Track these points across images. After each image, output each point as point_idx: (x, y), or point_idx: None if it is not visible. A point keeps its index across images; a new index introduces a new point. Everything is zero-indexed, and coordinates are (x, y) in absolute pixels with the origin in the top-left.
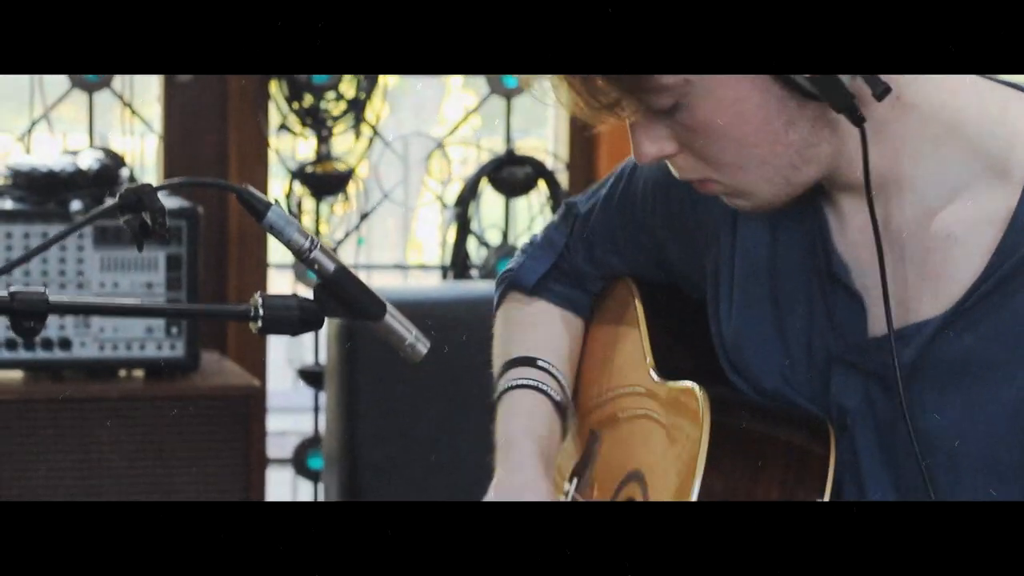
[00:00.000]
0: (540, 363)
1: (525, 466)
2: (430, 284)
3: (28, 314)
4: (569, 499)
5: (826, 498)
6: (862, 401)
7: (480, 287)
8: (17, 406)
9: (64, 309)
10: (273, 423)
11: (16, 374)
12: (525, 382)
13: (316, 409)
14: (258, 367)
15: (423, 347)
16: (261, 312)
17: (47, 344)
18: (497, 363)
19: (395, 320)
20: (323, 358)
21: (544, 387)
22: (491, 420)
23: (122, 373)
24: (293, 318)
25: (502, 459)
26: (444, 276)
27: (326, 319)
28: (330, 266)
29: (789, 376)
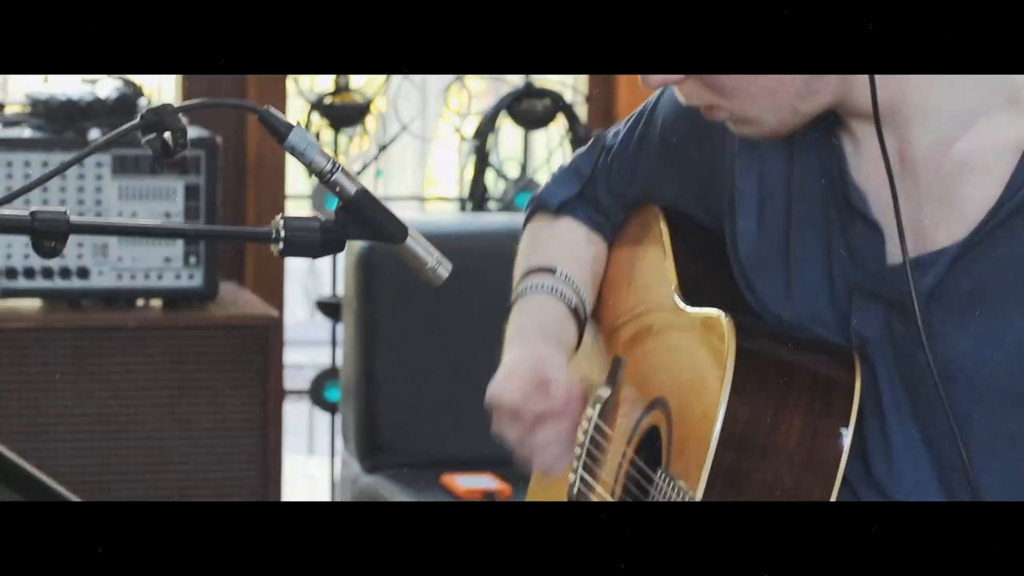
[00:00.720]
0: (558, 271)
1: (537, 344)
2: (448, 216)
3: (49, 234)
4: (592, 425)
5: (850, 428)
6: (882, 330)
7: (498, 219)
8: (35, 334)
9: (85, 229)
10: (290, 356)
11: (34, 302)
12: (540, 286)
13: (333, 342)
14: (276, 298)
15: (444, 270)
16: (283, 234)
17: (65, 273)
18: (517, 274)
19: (417, 243)
20: (340, 290)
21: (559, 291)
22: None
23: (140, 302)
24: (314, 240)
25: (510, 346)
26: (462, 208)
27: (347, 242)
28: (351, 188)
29: (809, 306)
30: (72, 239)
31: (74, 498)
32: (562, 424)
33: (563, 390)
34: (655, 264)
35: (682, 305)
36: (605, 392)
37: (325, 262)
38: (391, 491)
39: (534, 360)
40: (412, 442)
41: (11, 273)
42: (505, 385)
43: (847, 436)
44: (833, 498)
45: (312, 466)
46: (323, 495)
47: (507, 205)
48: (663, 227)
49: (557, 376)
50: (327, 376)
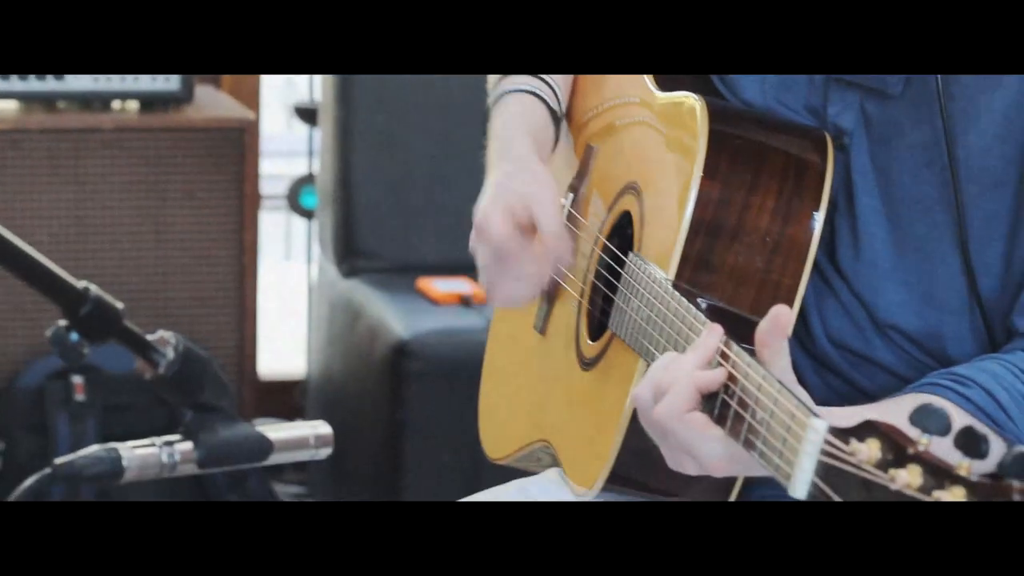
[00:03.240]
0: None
1: (526, 159)
2: None
3: None
4: (564, 214)
5: (821, 211)
6: (857, 120)
7: None
8: (11, 136)
9: None
10: (267, 167)
11: (10, 104)
12: (521, 87)
13: (310, 149)
14: (252, 102)
15: None
16: None
17: (40, 74)
18: (493, 78)
19: None
20: (318, 95)
21: (539, 92)
22: (485, 123)
23: (116, 104)
24: None
25: (500, 155)
26: None
27: None
28: None
29: (785, 98)
30: None
31: (59, 270)
32: (537, 269)
33: (548, 241)
34: None
35: (655, 91)
36: (578, 182)
37: None
38: (368, 295)
39: (523, 195)
40: (389, 247)
41: None
42: (493, 217)
43: (818, 219)
44: (803, 285)
45: (289, 271)
46: (300, 299)
47: None
48: None
49: (544, 222)
50: (304, 182)
